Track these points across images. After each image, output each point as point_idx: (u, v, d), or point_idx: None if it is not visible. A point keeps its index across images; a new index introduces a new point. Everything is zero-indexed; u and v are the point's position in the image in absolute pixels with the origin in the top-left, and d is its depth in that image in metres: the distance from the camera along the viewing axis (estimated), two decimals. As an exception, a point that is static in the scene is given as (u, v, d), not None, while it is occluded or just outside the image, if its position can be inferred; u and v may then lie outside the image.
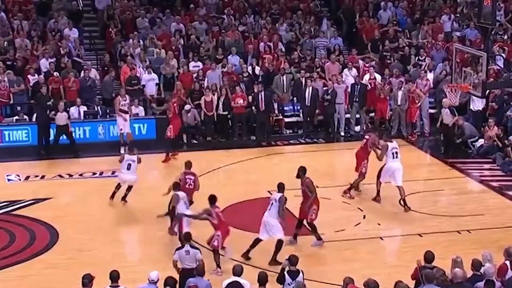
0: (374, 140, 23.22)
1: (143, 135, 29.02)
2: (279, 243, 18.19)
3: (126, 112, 27.75)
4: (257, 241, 18.80)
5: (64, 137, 27.57)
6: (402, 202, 22.11)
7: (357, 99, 30.13)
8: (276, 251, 18.16)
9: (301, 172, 20.52)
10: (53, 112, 27.45)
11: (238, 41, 32.77)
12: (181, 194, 19.20)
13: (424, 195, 23.82)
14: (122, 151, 25.31)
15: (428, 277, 13.74)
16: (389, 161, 22.44)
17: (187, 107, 28.98)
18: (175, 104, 26.98)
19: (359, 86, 30.14)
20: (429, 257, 14.91)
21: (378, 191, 22.87)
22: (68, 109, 28.25)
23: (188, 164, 21.04)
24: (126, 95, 27.98)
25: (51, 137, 27.60)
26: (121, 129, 27.84)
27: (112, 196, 22.84)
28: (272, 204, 19.09)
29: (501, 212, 22.25)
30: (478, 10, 25.45)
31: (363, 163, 23.17)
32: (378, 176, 22.93)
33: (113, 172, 25.58)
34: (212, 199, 18.46)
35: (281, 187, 19.15)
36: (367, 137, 23.96)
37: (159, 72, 30.51)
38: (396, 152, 22.60)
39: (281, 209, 18.80)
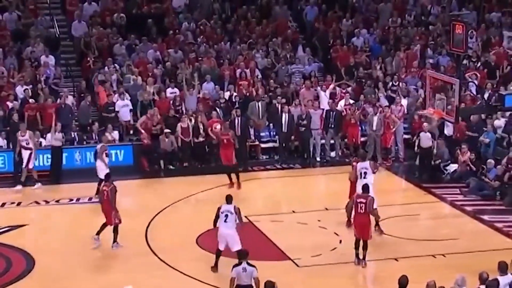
0: (374, 166, 23.28)
1: (119, 161, 28.93)
2: (239, 253, 18.07)
3: (27, 148, 26.99)
4: (219, 252, 19.45)
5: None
6: (375, 226, 22.10)
7: (332, 125, 30.18)
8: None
9: None
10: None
11: (214, 67, 32.79)
12: None
13: (400, 220, 23.84)
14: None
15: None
16: (358, 181, 22.42)
17: (166, 131, 29.03)
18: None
19: (334, 112, 30.18)
20: (403, 281, 14.99)
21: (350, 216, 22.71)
22: (44, 135, 28.22)
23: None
24: (26, 131, 27.15)
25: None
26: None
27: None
28: (227, 216, 19.47)
29: (475, 237, 22.33)
30: (450, 38, 25.73)
31: None
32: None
33: (90, 199, 25.58)
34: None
35: (229, 199, 19.65)
36: (354, 163, 23.93)
37: (136, 98, 30.50)
38: (365, 173, 22.54)
39: (239, 217, 19.41)
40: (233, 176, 26.86)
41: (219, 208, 19.45)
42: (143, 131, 28.80)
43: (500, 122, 29.01)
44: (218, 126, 29.18)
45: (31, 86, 30.58)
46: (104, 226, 21.39)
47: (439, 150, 28.09)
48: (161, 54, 33.19)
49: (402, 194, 26.81)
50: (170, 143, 29.08)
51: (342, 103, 31.00)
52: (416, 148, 28.40)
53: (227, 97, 31.29)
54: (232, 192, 26.03)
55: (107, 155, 25.80)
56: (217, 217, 19.46)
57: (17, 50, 32.46)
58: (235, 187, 26.66)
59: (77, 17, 34.00)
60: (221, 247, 19.58)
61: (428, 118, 27.90)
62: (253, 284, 16.50)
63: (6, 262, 21.10)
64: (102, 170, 24.80)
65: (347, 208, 22.14)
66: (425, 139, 27.50)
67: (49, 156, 27.95)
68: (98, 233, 21.42)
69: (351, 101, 31.14)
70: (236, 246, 19.01)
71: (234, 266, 17.01)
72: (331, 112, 30.32)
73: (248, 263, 17.08)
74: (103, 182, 22.36)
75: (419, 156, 28.17)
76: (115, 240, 21.46)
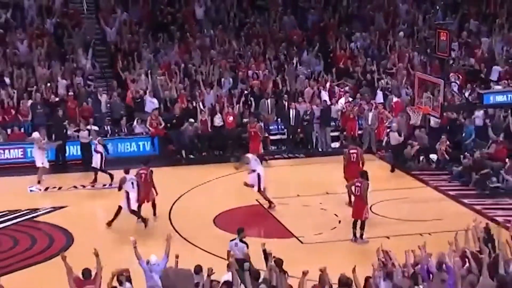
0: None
1: (146, 151, 29.08)
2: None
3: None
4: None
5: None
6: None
7: (330, 120, 30.48)
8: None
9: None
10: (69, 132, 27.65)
11: (229, 69, 32.81)
12: None
13: (391, 203, 23.86)
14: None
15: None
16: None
17: (191, 120, 29.22)
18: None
19: (331, 108, 30.64)
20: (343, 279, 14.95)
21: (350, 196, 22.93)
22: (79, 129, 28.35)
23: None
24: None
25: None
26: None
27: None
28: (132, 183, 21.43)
29: (457, 217, 22.38)
30: (436, 44, 25.81)
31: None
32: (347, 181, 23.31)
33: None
34: None
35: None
36: (354, 151, 24.14)
37: (161, 95, 30.58)
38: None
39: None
40: None
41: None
42: (151, 128, 28.94)
43: (479, 113, 29.03)
44: (231, 118, 29.32)
45: (69, 84, 30.74)
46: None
47: (421, 139, 28.09)
48: (183, 57, 33.21)
49: (393, 180, 26.76)
50: (194, 129, 29.18)
51: (342, 100, 31.08)
52: (384, 144, 28.43)
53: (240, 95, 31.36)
54: (232, 177, 26.27)
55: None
56: None
57: (58, 53, 32.50)
58: None
59: (109, 25, 34.09)
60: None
61: (413, 114, 28.07)
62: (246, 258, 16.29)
63: (49, 239, 21.26)
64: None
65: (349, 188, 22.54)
66: (393, 137, 27.43)
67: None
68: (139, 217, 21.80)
69: (350, 99, 31.25)
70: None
71: (230, 241, 17.20)
72: (330, 108, 30.67)
73: (241, 240, 17.19)
74: (142, 166, 22.60)
75: (391, 152, 28.13)
76: (154, 214, 22.30)
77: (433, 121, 28.73)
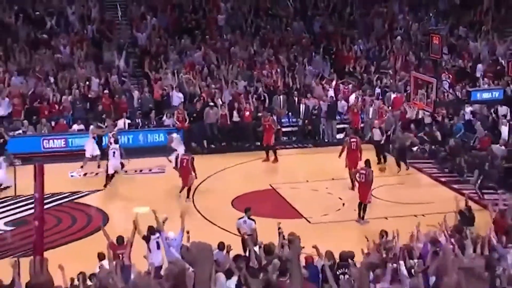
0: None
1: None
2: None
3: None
4: None
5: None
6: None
7: (336, 114, 30.35)
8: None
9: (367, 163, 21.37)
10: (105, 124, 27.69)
11: (245, 68, 32.77)
12: None
13: (389, 188, 23.86)
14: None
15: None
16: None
17: (211, 104, 29.14)
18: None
19: (336, 104, 30.52)
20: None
21: (352, 181, 23.00)
22: (116, 121, 28.36)
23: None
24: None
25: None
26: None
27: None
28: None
29: (447, 201, 22.27)
30: (429, 47, 25.70)
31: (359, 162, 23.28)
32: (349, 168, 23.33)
33: (150, 170, 25.76)
34: None
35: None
36: (354, 139, 24.18)
37: (186, 91, 30.57)
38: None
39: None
40: (271, 153, 27.06)
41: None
42: (178, 122, 28.77)
43: (467, 109, 28.89)
44: (247, 113, 29.27)
45: (105, 82, 30.81)
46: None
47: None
48: (205, 57, 33.16)
49: (391, 168, 26.75)
50: (214, 114, 29.01)
51: (352, 97, 30.97)
52: (368, 138, 28.20)
53: (256, 91, 31.27)
54: (267, 165, 26.27)
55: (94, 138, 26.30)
56: None
57: (96, 55, 32.54)
58: (271, 160, 26.99)
59: (140, 30, 34.08)
60: None
61: (409, 109, 27.93)
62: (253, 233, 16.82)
63: (88, 218, 21.38)
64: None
65: (352, 174, 22.56)
66: (376, 134, 27.24)
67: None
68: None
69: (358, 96, 31.11)
70: None
71: (238, 219, 17.29)
72: (337, 103, 30.56)
73: (248, 217, 17.29)
74: (183, 153, 23.45)
75: (374, 146, 27.79)
76: (188, 196, 22.52)
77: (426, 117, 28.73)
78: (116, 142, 24.60)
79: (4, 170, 23.61)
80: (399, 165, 25.78)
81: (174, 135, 25.49)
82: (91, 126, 26.71)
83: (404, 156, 25.82)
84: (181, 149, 24.76)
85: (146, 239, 16.06)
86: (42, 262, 4.35)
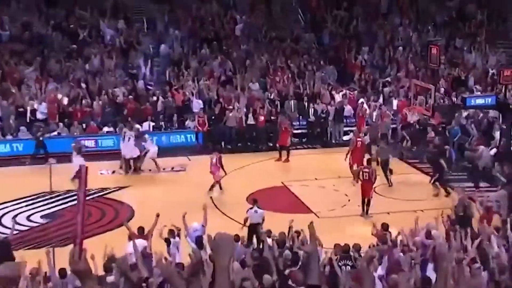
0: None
1: (193, 141, 29.04)
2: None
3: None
4: None
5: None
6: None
7: (343, 118, 30.24)
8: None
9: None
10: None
11: (260, 75, 32.78)
12: None
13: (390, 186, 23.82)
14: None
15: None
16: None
17: (230, 107, 29.27)
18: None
19: (343, 109, 30.37)
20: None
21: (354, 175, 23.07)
22: (141, 124, 28.46)
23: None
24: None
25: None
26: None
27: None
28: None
29: (444, 198, 22.33)
30: (428, 56, 25.66)
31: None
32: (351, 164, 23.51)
33: (172, 168, 25.80)
34: None
35: None
36: (360, 139, 24.24)
37: (205, 97, 30.59)
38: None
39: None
40: (283, 153, 27.13)
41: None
42: (199, 126, 28.68)
43: (463, 114, 28.78)
44: (262, 118, 29.25)
45: (131, 88, 30.91)
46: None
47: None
48: (223, 65, 33.19)
49: (393, 167, 26.70)
50: (234, 118, 29.03)
51: (361, 100, 30.92)
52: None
53: (269, 97, 31.27)
54: (279, 164, 26.42)
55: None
56: None
57: (123, 64, 32.65)
58: (283, 160, 27.02)
59: (164, 40, 34.15)
60: None
61: (409, 113, 27.85)
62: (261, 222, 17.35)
63: (115, 212, 21.47)
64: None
65: (354, 172, 22.57)
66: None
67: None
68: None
69: (364, 101, 31.00)
70: None
71: (248, 210, 17.76)
72: (343, 108, 30.45)
73: (258, 207, 17.55)
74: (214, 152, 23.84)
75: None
76: (220, 188, 22.93)
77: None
78: (137, 136, 25.07)
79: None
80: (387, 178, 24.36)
81: (147, 136, 25.87)
82: (124, 129, 26.50)
83: (386, 170, 24.31)
84: (152, 149, 25.33)
85: (167, 242, 16.08)
86: (81, 251, 4.58)
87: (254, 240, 17.20)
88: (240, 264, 13.03)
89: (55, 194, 22.65)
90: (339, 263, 13.75)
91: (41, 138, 26.74)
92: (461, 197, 18.61)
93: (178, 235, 16.10)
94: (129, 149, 25.08)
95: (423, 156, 25.63)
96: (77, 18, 34.09)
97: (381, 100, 31.27)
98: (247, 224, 17.65)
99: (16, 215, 20.46)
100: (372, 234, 15.91)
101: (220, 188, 23.07)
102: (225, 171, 23.18)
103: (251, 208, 18.11)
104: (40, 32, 33.10)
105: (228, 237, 4.83)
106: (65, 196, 22.48)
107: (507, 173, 22.90)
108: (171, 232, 16.21)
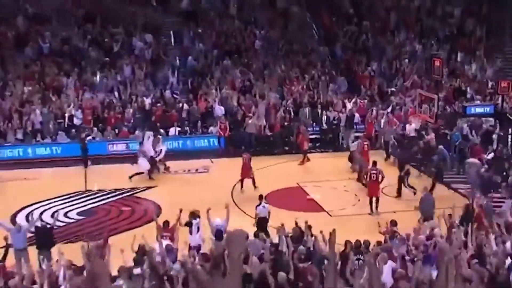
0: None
1: (216, 145, 28.90)
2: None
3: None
4: None
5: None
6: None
7: (353, 124, 30.06)
8: None
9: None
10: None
11: (277, 85, 32.72)
12: None
13: (395, 186, 23.56)
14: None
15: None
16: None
17: (249, 114, 29.23)
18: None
19: (354, 116, 30.12)
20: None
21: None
22: (168, 129, 28.50)
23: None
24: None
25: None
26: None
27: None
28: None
29: (446, 198, 22.08)
30: (432, 68, 25.49)
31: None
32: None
33: (196, 170, 25.79)
34: None
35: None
36: (366, 142, 24.23)
37: (227, 105, 30.58)
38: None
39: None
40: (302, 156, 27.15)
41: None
42: (221, 131, 28.57)
43: (463, 121, 28.57)
44: (278, 125, 29.15)
45: (159, 96, 30.95)
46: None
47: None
48: (243, 76, 33.17)
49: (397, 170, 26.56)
50: (253, 124, 28.92)
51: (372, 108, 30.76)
52: (379, 145, 27.76)
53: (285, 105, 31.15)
54: (294, 166, 26.53)
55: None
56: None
57: (152, 74, 32.74)
58: (298, 162, 26.96)
59: (190, 53, 34.15)
60: None
61: (414, 120, 27.68)
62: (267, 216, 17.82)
63: (144, 210, 21.48)
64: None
65: (360, 175, 22.52)
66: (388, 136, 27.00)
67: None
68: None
69: (374, 109, 30.73)
70: None
71: (256, 206, 18.21)
72: (353, 116, 30.26)
73: (265, 203, 17.73)
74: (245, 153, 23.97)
75: (384, 146, 27.34)
76: (254, 186, 22.66)
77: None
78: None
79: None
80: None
81: (160, 137, 26.04)
82: (148, 133, 26.52)
83: (405, 180, 23.59)
84: (163, 148, 25.41)
85: (189, 224, 16.52)
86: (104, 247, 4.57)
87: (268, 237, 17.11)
88: (258, 258, 12.97)
89: (89, 193, 22.87)
90: (353, 258, 13.67)
91: (86, 141, 26.81)
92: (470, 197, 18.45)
93: (199, 216, 16.47)
94: (148, 147, 25.19)
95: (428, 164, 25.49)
96: (110, 33, 34.28)
97: (389, 108, 31.05)
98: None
99: (55, 211, 20.52)
100: (379, 232, 15.79)
101: (241, 187, 22.99)
102: (252, 172, 23.14)
103: (259, 204, 18.30)
104: (77, 46, 33.32)
105: (242, 234, 4.95)
106: (99, 194, 22.64)
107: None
108: (192, 214, 16.58)
